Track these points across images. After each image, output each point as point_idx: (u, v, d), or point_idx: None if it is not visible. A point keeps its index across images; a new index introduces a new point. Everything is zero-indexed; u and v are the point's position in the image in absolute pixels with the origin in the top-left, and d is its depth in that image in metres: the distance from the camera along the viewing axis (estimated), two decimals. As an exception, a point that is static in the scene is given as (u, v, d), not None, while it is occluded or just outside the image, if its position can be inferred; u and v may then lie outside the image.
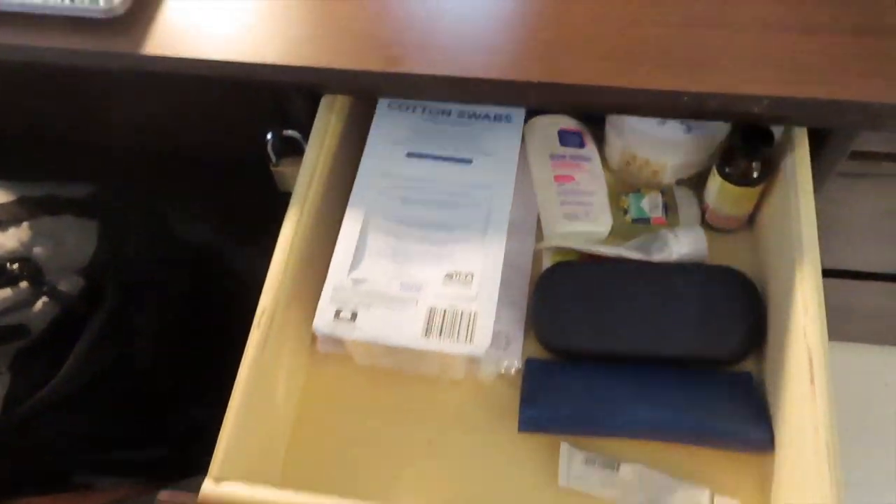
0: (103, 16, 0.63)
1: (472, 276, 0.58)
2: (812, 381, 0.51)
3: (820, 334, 0.53)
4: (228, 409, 0.53)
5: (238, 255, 0.97)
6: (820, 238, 0.56)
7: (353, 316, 0.56)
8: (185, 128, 0.78)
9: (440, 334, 0.55)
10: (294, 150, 0.73)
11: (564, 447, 0.58)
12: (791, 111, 0.54)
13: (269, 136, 0.70)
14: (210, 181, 0.87)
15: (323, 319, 0.56)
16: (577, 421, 0.60)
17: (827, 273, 1.01)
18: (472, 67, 0.58)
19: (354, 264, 0.59)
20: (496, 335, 0.59)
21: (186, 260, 0.86)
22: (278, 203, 0.63)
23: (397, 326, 0.56)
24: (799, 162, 0.58)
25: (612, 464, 0.58)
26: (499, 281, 0.58)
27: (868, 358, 1.31)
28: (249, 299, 0.57)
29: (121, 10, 0.63)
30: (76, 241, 0.65)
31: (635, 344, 0.62)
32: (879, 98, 0.53)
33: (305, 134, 0.68)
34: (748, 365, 0.63)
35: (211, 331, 0.85)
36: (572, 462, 0.58)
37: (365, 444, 0.61)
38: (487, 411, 0.62)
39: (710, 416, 0.58)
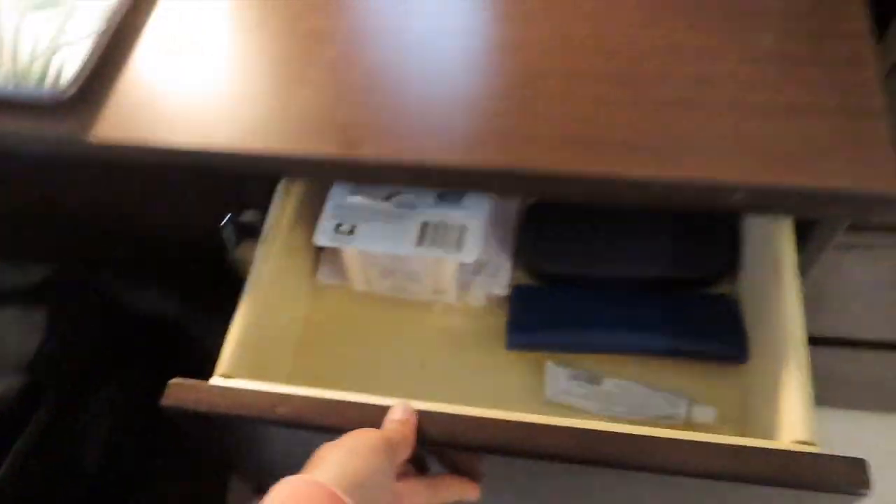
0: (50, 100, 0.60)
1: (462, 196, 0.64)
2: (780, 276, 0.54)
3: (788, 241, 0.55)
4: (236, 315, 0.57)
5: (206, 332, 0.93)
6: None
7: (352, 229, 0.62)
8: (143, 206, 0.75)
9: (432, 244, 0.61)
10: (255, 235, 0.69)
11: (550, 364, 0.62)
12: (772, 201, 0.50)
13: (224, 222, 0.66)
14: (175, 257, 0.84)
15: (324, 232, 0.62)
16: (561, 340, 0.64)
17: (821, 341, 1.01)
18: (433, 153, 0.54)
19: (353, 188, 0.64)
20: (486, 265, 0.67)
21: (147, 344, 0.82)
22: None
23: (393, 237, 0.61)
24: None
25: (595, 378, 0.61)
26: (486, 200, 0.64)
27: (868, 426, 1.27)
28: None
29: (68, 94, 0.60)
30: (20, 335, 0.61)
31: (617, 268, 0.66)
32: (867, 187, 0.49)
33: (264, 215, 0.65)
34: (727, 289, 0.66)
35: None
36: (557, 378, 0.62)
37: (362, 365, 0.65)
38: (477, 333, 0.66)
39: (688, 331, 0.62)
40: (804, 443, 0.48)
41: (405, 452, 0.46)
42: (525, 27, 0.61)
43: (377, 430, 0.46)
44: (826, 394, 1.22)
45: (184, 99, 0.60)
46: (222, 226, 0.68)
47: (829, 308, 0.92)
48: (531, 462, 0.48)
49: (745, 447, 0.45)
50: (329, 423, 0.48)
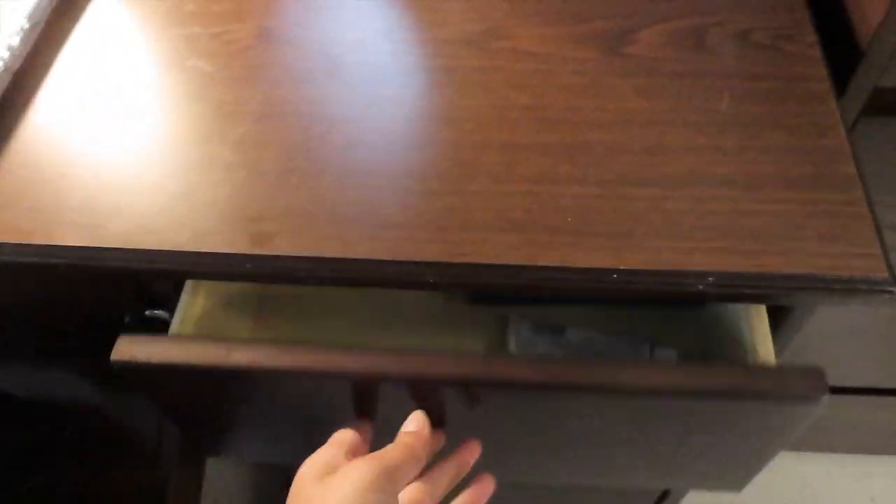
0: (-90, 195, 0.51)
1: None
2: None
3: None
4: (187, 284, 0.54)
5: (126, 416, 0.85)
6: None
7: None
8: (34, 297, 0.66)
9: None
10: (164, 329, 0.61)
11: (513, 317, 0.62)
12: (743, 288, 0.44)
13: (126, 320, 0.58)
14: (82, 348, 0.75)
15: None
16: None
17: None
18: (357, 246, 0.47)
19: None
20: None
21: (65, 438, 0.73)
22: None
23: None
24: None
25: (559, 329, 0.61)
26: None
27: (851, 469, 1.23)
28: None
29: (-66, 187, 0.52)
30: None
31: None
32: (846, 270, 0.43)
33: (173, 310, 0.57)
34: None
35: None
36: (521, 331, 0.61)
37: (324, 331, 0.61)
38: (440, 294, 0.63)
39: None
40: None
41: (414, 471, 0.43)
42: (459, 96, 0.55)
43: (371, 461, 0.41)
44: (811, 439, 1.18)
45: (69, 188, 0.52)
46: (126, 323, 0.59)
47: (803, 357, 0.90)
48: (497, 396, 0.48)
49: (708, 365, 0.46)
50: (287, 366, 0.47)
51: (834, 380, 0.99)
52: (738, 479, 0.58)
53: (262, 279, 0.48)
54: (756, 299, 0.46)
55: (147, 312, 0.58)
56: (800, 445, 1.20)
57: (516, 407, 0.51)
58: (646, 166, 0.49)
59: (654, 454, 0.57)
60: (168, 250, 0.48)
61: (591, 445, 0.57)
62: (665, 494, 0.84)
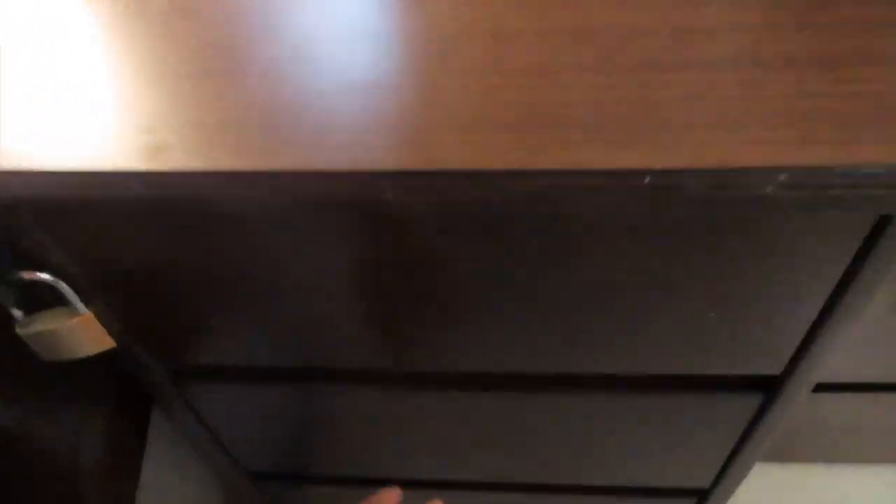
0: None
1: None
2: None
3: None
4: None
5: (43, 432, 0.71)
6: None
7: None
8: None
9: None
10: (56, 300, 0.47)
11: None
12: (829, 189, 0.32)
13: (-7, 286, 0.44)
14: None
15: None
16: None
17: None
18: (287, 156, 0.34)
19: None
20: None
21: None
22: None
23: None
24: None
25: None
26: None
27: (888, 480, 1.11)
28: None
29: None
30: None
31: None
32: (973, 157, 0.31)
33: (62, 271, 0.43)
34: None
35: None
36: None
37: None
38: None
39: None
40: None
41: None
42: (427, -19, 0.42)
43: None
44: (838, 450, 1.04)
45: None
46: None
47: (837, 353, 0.79)
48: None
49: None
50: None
51: (861, 375, 0.87)
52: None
53: (156, 204, 0.35)
54: (847, 205, 0.34)
55: (24, 275, 0.43)
56: (833, 457, 1.08)
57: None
58: (678, 50, 0.37)
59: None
60: (22, 170, 0.35)
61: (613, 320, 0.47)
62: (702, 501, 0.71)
